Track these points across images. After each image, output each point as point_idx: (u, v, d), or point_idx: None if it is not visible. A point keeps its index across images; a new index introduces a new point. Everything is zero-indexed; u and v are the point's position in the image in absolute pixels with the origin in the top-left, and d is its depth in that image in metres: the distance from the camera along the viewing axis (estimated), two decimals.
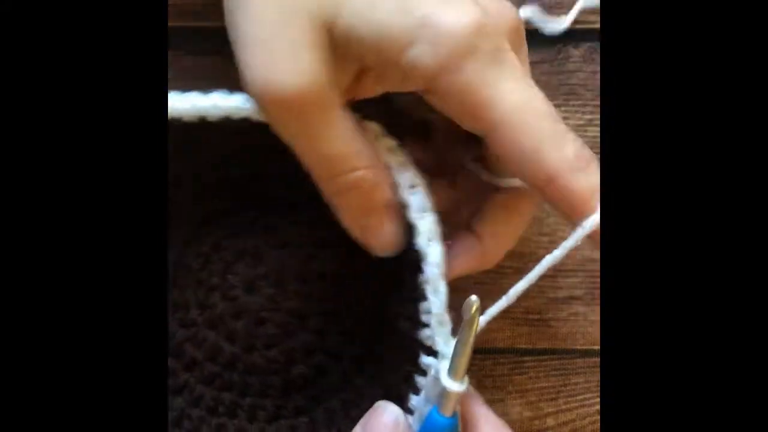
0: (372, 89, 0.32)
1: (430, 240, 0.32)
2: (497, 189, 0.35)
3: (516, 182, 0.34)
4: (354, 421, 0.35)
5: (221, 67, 0.40)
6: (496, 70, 0.29)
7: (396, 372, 0.35)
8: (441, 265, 0.32)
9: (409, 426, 0.33)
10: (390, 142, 0.33)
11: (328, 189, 0.31)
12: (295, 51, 0.28)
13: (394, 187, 0.32)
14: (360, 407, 0.35)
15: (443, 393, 0.32)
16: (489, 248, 0.33)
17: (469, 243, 0.35)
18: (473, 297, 0.30)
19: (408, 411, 0.34)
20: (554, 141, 0.29)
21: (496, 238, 0.34)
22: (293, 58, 0.28)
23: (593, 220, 0.30)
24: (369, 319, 0.37)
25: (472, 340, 0.31)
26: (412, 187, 0.32)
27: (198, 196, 0.36)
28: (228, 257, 0.36)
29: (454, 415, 0.32)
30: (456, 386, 0.31)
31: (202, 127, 0.32)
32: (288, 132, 0.30)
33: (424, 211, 0.32)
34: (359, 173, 0.31)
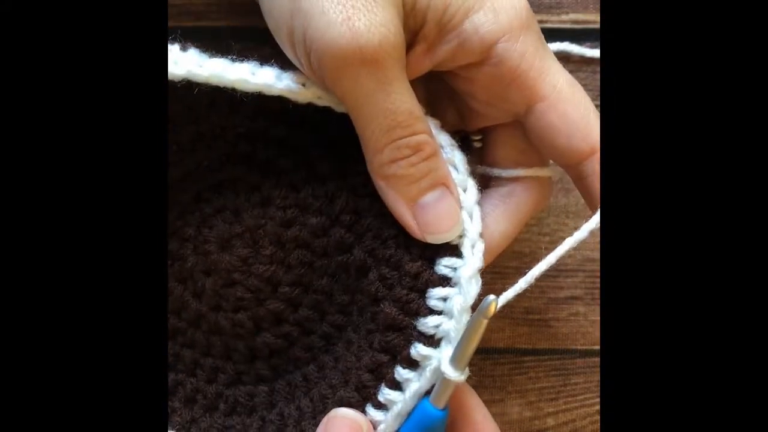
0: (416, 67, 0.32)
1: (475, 241, 0.32)
2: (492, 183, 0.35)
3: (520, 172, 0.35)
4: (313, 401, 0.34)
5: None
6: (544, 48, 0.32)
7: (359, 358, 0.34)
8: (482, 260, 0.32)
9: (371, 424, 0.32)
10: (433, 121, 0.33)
11: (383, 156, 0.31)
12: (375, 8, 0.29)
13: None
14: (319, 387, 0.35)
15: (442, 383, 0.31)
16: (490, 243, 0.33)
17: None
18: (492, 296, 0.30)
19: (377, 404, 0.33)
20: (597, 115, 0.32)
21: (497, 233, 0.34)
22: (375, 12, 0.29)
23: (594, 220, 0.31)
24: (342, 297, 0.35)
25: (481, 332, 0.30)
26: (465, 169, 0.32)
27: (184, 147, 0.35)
28: (207, 210, 0.35)
29: (446, 408, 0.32)
30: (457, 376, 0.31)
31: (194, 84, 0.31)
32: (357, 87, 0.30)
33: (476, 202, 0.32)
34: (422, 137, 0.31)
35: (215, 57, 0.31)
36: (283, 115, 0.33)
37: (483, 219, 0.33)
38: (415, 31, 0.31)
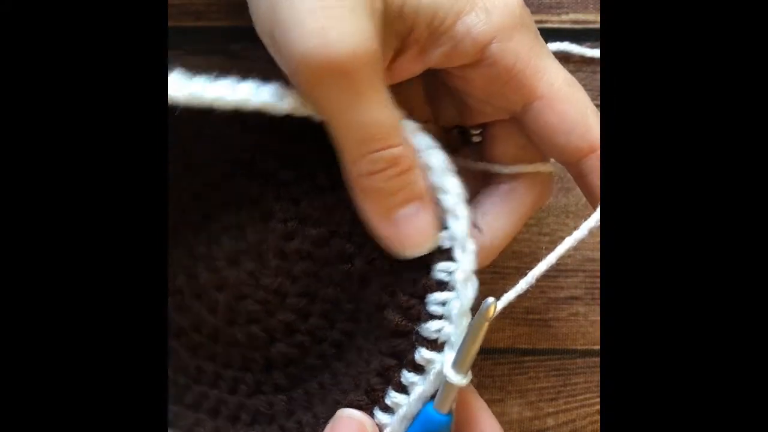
0: (409, 69, 0.32)
1: (464, 243, 0.32)
2: (493, 180, 0.35)
3: (520, 168, 0.34)
4: (329, 407, 0.35)
5: (222, 66, 0.40)
6: (541, 46, 0.32)
7: (368, 363, 0.34)
8: (474, 262, 0.32)
9: (377, 427, 0.32)
10: (413, 124, 0.32)
11: (359, 168, 0.30)
12: (349, 17, 0.28)
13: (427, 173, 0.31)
14: (333, 394, 0.35)
15: (444, 387, 0.31)
16: (491, 241, 0.33)
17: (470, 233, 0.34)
18: (491, 298, 0.30)
19: (384, 407, 0.33)
20: (596, 113, 0.32)
21: (499, 231, 0.34)
22: (349, 21, 0.28)
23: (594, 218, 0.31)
24: (349, 305, 0.36)
25: (482, 335, 0.30)
26: (444, 171, 0.32)
27: (192, 168, 0.35)
28: (215, 227, 0.36)
29: (450, 413, 0.32)
30: (459, 380, 0.31)
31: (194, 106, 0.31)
32: (331, 100, 0.29)
33: (460, 202, 0.32)
34: (397, 150, 0.30)
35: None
36: (282, 125, 0.33)
37: (484, 216, 0.33)
38: (404, 34, 0.31)
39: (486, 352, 0.42)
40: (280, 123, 0.33)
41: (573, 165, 0.33)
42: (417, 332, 0.32)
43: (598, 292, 0.42)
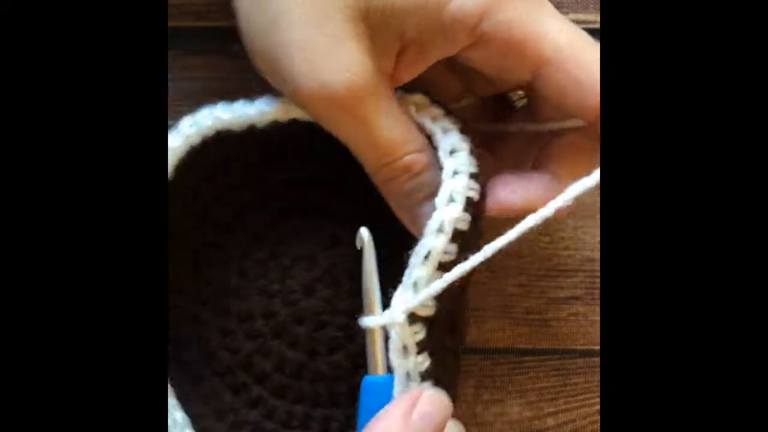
0: (415, 67, 0.32)
1: (451, 200, 0.32)
2: (555, 134, 0.35)
3: (561, 124, 0.34)
4: None
5: (222, 66, 0.40)
6: (539, 7, 0.31)
7: None
8: (452, 222, 0.31)
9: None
10: (435, 110, 0.33)
11: (379, 177, 0.32)
12: (337, 49, 0.29)
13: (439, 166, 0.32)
14: None
15: (366, 341, 0.32)
16: (554, 193, 0.33)
17: (547, 181, 0.34)
18: (363, 228, 0.33)
19: None
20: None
21: (576, 177, 0.33)
22: (337, 56, 0.29)
23: (594, 178, 0.30)
24: None
25: (373, 269, 0.32)
26: (453, 152, 0.32)
27: (248, 208, 0.37)
28: (285, 262, 0.37)
29: (389, 372, 0.32)
30: (369, 322, 0.32)
31: (248, 135, 0.33)
32: (340, 128, 0.31)
33: (457, 173, 0.32)
34: (409, 158, 0.32)
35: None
36: (319, 151, 0.35)
37: (563, 163, 0.34)
38: (400, 34, 0.31)
39: (486, 352, 0.42)
40: (317, 149, 0.34)
41: (593, 123, 0.32)
42: None
43: (598, 292, 0.42)
